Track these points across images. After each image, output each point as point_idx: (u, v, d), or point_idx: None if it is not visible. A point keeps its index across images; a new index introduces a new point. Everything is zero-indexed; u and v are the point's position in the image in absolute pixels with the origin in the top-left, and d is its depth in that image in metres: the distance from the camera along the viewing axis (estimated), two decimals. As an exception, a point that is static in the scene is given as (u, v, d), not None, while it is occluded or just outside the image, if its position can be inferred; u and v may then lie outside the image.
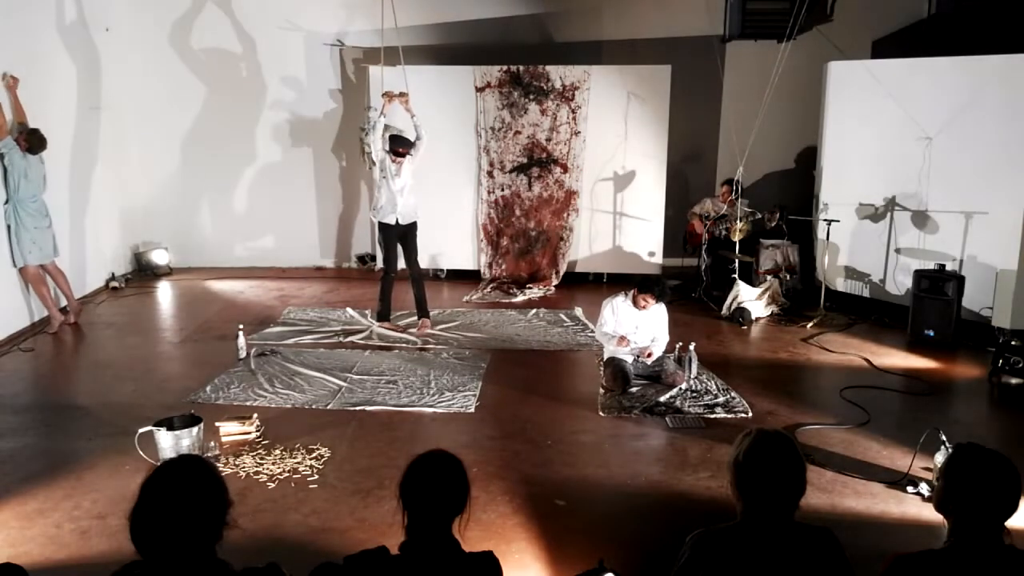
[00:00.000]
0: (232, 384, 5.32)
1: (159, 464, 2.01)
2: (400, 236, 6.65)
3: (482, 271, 8.70)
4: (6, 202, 6.37)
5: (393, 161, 6.47)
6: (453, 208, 8.63)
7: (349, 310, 7.26)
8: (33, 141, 6.40)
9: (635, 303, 5.34)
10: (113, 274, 8.48)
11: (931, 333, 6.32)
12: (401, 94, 6.79)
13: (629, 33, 9.01)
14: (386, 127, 6.90)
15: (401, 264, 6.81)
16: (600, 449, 4.36)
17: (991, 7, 7.19)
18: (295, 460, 4.12)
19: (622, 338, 5.29)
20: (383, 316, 6.76)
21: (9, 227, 6.38)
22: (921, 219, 6.94)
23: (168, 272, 9.09)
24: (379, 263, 7.44)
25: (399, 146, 6.48)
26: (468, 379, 5.45)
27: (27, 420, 4.76)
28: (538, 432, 4.56)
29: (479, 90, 8.36)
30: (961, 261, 6.66)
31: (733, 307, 7.04)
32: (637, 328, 5.38)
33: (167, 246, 9.20)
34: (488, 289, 8.28)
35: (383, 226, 6.65)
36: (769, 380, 5.49)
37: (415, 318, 6.86)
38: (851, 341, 6.48)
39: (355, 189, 9.32)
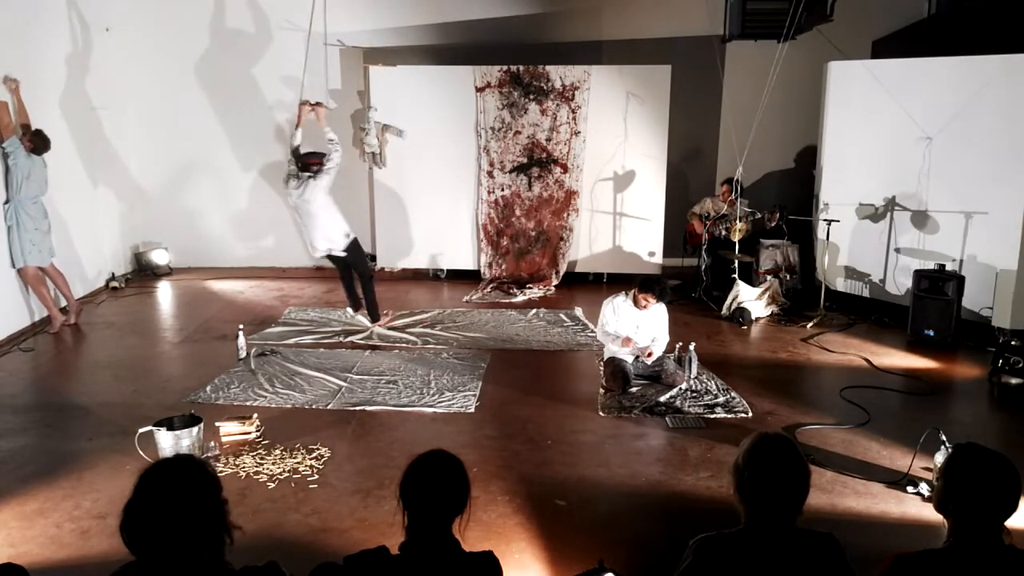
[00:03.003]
0: (232, 384, 5.32)
1: (150, 465, 2.01)
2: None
3: (482, 271, 8.70)
4: (6, 202, 6.37)
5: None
6: (453, 208, 8.63)
7: (349, 310, 7.24)
8: (38, 142, 6.42)
9: (636, 303, 5.34)
10: (113, 274, 8.48)
11: (931, 333, 6.32)
12: (318, 104, 6.61)
13: (629, 33, 9.01)
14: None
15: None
16: (600, 449, 4.36)
17: (991, 7, 7.18)
18: (295, 460, 4.12)
19: (627, 339, 5.29)
20: (375, 317, 6.80)
21: (9, 227, 6.38)
22: (921, 219, 6.94)
23: (168, 272, 9.09)
24: (381, 264, 7.28)
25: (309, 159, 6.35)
26: (468, 379, 5.45)
27: (27, 420, 4.76)
28: (538, 432, 4.56)
29: (479, 90, 8.36)
30: (961, 261, 6.66)
31: (733, 307, 7.04)
32: (638, 328, 5.39)
33: (167, 246, 9.20)
34: (488, 289, 8.28)
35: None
36: (769, 380, 5.49)
37: (394, 316, 6.88)
38: (851, 341, 6.47)
39: (355, 189, 9.29)
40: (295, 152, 6.38)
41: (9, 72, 6.45)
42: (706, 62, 8.57)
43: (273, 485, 3.88)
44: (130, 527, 1.84)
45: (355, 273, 6.72)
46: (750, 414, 4.83)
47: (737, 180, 7.58)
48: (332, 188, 6.41)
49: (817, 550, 2.09)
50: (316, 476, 3.97)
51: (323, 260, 9.42)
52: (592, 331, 6.52)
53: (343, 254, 6.48)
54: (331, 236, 6.40)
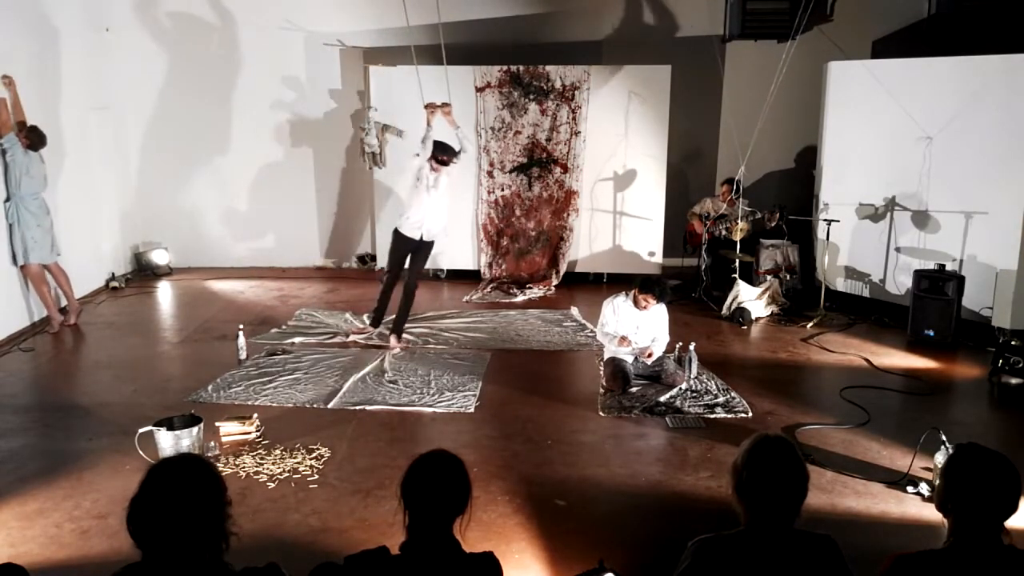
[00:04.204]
0: (233, 384, 5.32)
1: (154, 463, 2.01)
2: (414, 250, 6.26)
3: (482, 271, 8.70)
4: (7, 200, 6.37)
5: (433, 170, 6.08)
6: (453, 208, 8.56)
7: (348, 315, 7.16)
8: (34, 138, 6.41)
9: (636, 303, 5.34)
10: (113, 274, 8.47)
11: (931, 333, 6.32)
12: (444, 105, 6.42)
13: (629, 33, 9.01)
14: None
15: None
16: (600, 449, 4.36)
17: (991, 7, 7.18)
18: (295, 460, 4.12)
19: (623, 338, 5.29)
20: (376, 321, 6.60)
21: (11, 225, 6.38)
22: (921, 219, 6.94)
23: (168, 272, 9.09)
24: (381, 264, 6.85)
25: (442, 153, 6.03)
26: (468, 379, 5.45)
27: (27, 420, 4.76)
28: (538, 432, 4.56)
29: (479, 90, 8.35)
30: (961, 261, 6.66)
31: (733, 307, 7.04)
32: (638, 328, 5.39)
33: (167, 246, 9.20)
34: (488, 289, 8.28)
35: (402, 237, 6.21)
36: (769, 380, 5.49)
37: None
38: (851, 341, 6.48)
39: (355, 189, 9.30)
40: (439, 146, 6.13)
41: (7, 70, 6.43)
42: (706, 62, 8.58)
43: (273, 485, 3.88)
44: (135, 521, 1.84)
45: (407, 274, 6.36)
46: (750, 414, 4.83)
47: (738, 180, 7.58)
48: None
49: (816, 552, 2.09)
50: (316, 476, 3.97)
51: (324, 260, 9.55)
52: (591, 331, 6.52)
53: (430, 240, 6.28)
54: (437, 224, 6.28)
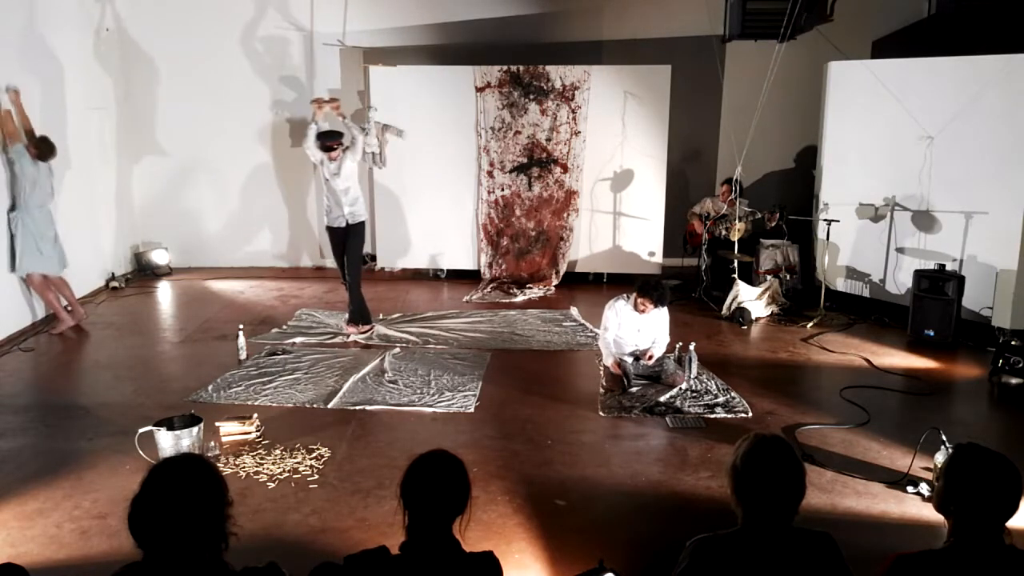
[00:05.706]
0: (233, 384, 5.32)
1: (156, 462, 2.01)
2: (344, 237, 6.52)
3: (482, 271, 8.70)
4: (13, 210, 6.34)
5: (331, 159, 6.38)
6: (453, 208, 8.63)
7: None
8: (43, 148, 6.34)
9: (635, 307, 5.35)
10: (113, 274, 8.47)
11: (931, 333, 6.32)
12: (331, 100, 6.73)
13: (629, 33, 9.01)
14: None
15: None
16: (600, 449, 4.36)
17: (991, 7, 7.18)
18: (295, 460, 4.13)
19: (616, 363, 5.35)
20: (365, 320, 6.63)
21: (13, 235, 6.34)
22: (921, 219, 6.94)
23: (168, 272, 9.08)
24: (382, 265, 7.14)
25: (327, 140, 6.36)
26: (468, 379, 5.45)
27: (27, 420, 4.76)
28: (538, 432, 4.56)
29: (479, 90, 8.36)
30: (961, 261, 6.66)
31: (733, 307, 7.04)
32: (639, 330, 5.40)
33: (167, 246, 9.20)
34: (488, 289, 8.28)
35: (330, 230, 6.58)
36: (769, 380, 5.49)
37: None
38: (851, 341, 6.48)
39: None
40: (320, 135, 6.45)
41: (10, 79, 6.41)
42: (706, 62, 8.57)
43: (273, 485, 3.88)
44: (136, 521, 1.85)
45: (345, 260, 6.60)
46: (750, 414, 4.83)
47: (737, 180, 7.58)
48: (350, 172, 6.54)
49: (814, 549, 2.10)
50: (316, 476, 3.97)
51: (323, 260, 9.54)
52: (591, 331, 6.53)
53: (356, 223, 6.53)
54: (355, 205, 6.54)
